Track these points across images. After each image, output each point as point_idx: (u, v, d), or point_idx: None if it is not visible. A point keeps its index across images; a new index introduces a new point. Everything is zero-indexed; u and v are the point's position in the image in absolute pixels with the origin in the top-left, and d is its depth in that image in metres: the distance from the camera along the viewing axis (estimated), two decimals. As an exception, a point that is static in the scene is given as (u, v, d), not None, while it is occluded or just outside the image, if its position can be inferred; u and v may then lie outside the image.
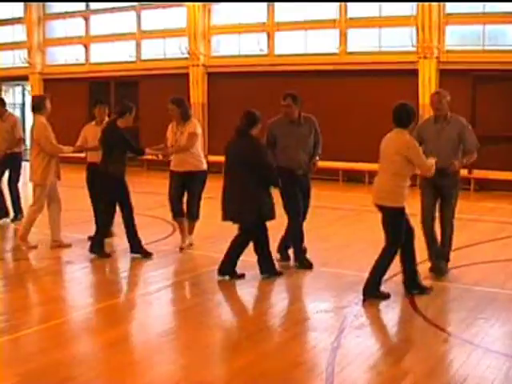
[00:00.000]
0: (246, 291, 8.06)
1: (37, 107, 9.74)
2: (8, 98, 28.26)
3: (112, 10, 22.51)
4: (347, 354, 5.95)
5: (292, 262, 9.02)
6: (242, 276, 8.29)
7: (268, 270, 8.33)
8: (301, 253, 8.95)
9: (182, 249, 9.79)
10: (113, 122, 9.40)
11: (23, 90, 25.69)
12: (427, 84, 16.87)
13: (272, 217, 8.15)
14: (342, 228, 11.85)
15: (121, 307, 7.57)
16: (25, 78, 24.54)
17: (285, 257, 9.13)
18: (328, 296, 7.76)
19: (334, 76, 18.31)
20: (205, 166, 9.73)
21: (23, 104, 25.82)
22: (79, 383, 5.31)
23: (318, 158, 9.05)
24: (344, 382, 5.30)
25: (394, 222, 7.40)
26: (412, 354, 5.96)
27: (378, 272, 7.44)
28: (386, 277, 7.66)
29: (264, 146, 8.36)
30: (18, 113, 25.93)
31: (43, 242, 10.10)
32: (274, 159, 8.41)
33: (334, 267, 8.93)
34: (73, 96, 22.76)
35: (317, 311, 7.16)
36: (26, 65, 24.16)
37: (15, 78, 25.18)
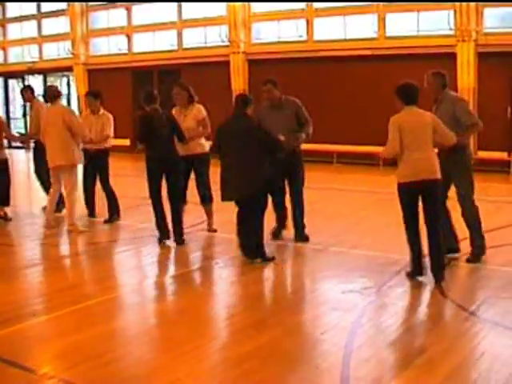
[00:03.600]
0: (275, 272, 8.31)
1: (57, 94, 10.42)
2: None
3: (153, -1, 22.82)
4: (367, 332, 6.12)
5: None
6: (273, 258, 8.50)
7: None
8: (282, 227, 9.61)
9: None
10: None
11: (68, 80, 26.12)
12: (466, 67, 16.79)
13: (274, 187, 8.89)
14: (376, 212, 11.91)
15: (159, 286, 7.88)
16: (69, 69, 25.02)
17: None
18: (356, 277, 7.85)
19: (372, 61, 18.31)
20: (207, 148, 9.75)
21: (69, 94, 26.25)
22: (117, 357, 5.57)
23: (303, 135, 9.26)
24: (360, 358, 5.43)
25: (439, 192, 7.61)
26: (431, 332, 6.08)
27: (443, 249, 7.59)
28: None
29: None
30: (64, 103, 26.44)
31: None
32: None
33: (365, 249, 9.05)
34: (116, 86, 23.09)
35: (343, 291, 7.30)
36: (71, 56, 24.64)
37: (60, 69, 25.67)
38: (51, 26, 25.65)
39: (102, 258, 9.20)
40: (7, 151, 12.15)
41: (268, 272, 8.29)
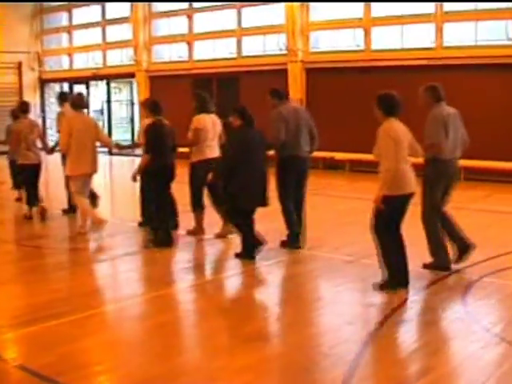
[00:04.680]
0: (296, 283, 8.24)
1: (80, 104, 10.82)
2: (120, 96, 29.49)
3: (214, 7, 22.92)
4: (377, 348, 5.97)
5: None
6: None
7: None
8: None
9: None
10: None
11: (131, 87, 26.51)
12: (526, 77, 16.36)
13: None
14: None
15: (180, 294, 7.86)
16: (132, 76, 25.36)
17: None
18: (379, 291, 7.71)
19: (430, 71, 17.97)
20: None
21: (131, 101, 26.65)
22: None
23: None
24: (363, 375, 5.31)
25: None
26: (442, 351, 5.89)
27: None
28: (445, 273, 8.09)
29: None
30: (127, 109, 26.88)
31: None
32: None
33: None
34: (177, 92, 23.28)
35: (363, 304, 7.17)
36: (133, 63, 24.98)
37: (123, 75, 26.09)
38: (115, 32, 26.09)
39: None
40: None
41: (288, 282, 8.23)
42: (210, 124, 10.21)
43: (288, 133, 9.28)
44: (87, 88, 27.66)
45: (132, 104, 26.84)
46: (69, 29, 28.06)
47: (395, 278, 7.53)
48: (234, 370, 5.45)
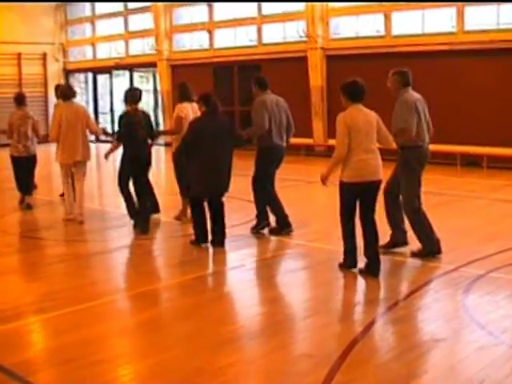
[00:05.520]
0: (296, 277, 8.11)
1: (72, 94, 11.05)
2: (147, 85, 29.37)
3: (234, -5, 22.70)
4: (364, 349, 5.74)
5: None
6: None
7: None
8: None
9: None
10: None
11: (154, 76, 26.41)
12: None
13: None
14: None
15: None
16: (153, 65, 25.25)
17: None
18: (381, 285, 7.50)
19: (451, 56, 17.61)
20: None
21: (155, 90, 26.54)
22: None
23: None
24: (343, 379, 5.09)
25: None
26: (437, 351, 5.62)
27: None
28: (452, 267, 7.80)
29: None
30: (150, 98, 26.76)
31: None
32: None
33: (404, 256, 8.55)
34: (198, 80, 23.07)
35: (358, 301, 6.97)
36: (155, 52, 24.87)
37: (145, 64, 26.00)
38: (137, 22, 25.99)
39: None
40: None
41: (284, 277, 8.06)
42: (192, 112, 10.20)
43: (272, 122, 9.41)
44: (110, 78, 27.65)
45: (156, 93, 26.72)
46: (92, 19, 28.07)
47: (347, 260, 7.86)
48: (212, 371, 5.29)
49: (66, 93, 11.05)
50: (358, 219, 7.79)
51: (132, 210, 10.58)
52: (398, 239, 8.57)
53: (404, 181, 8.24)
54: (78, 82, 29.14)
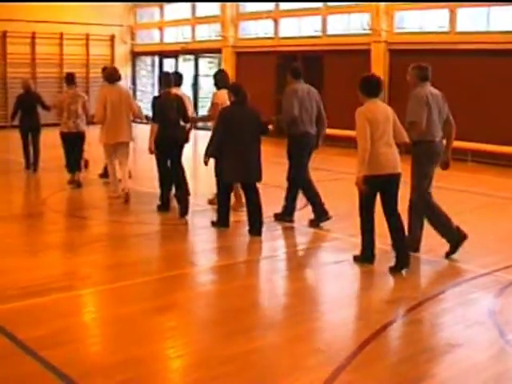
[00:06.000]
0: (325, 271, 8.14)
1: (117, 76, 11.37)
2: (211, 70, 29.48)
3: (301, -15, 22.61)
4: (379, 347, 5.74)
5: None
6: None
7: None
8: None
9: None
10: None
11: (219, 62, 26.53)
12: None
13: None
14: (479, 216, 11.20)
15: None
16: (219, 51, 25.39)
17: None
18: (406, 286, 7.44)
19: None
20: None
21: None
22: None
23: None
24: (353, 376, 5.11)
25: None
26: (449, 356, 5.56)
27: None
28: (486, 270, 7.70)
29: None
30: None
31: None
32: None
33: (437, 256, 8.45)
34: (262, 69, 23.25)
35: (382, 300, 6.94)
36: (220, 38, 25.00)
37: (210, 50, 26.16)
38: (204, 8, 26.13)
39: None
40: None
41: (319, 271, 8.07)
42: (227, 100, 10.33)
43: (302, 110, 9.64)
44: (176, 62, 27.89)
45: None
46: (160, 4, 28.29)
47: (363, 254, 7.98)
48: (220, 358, 5.39)
49: (111, 75, 11.43)
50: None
51: (163, 193, 10.82)
52: (453, 239, 8.42)
53: (414, 176, 8.26)
54: (145, 65, 29.51)
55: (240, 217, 9.99)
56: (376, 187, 7.69)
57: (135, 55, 29.53)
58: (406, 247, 7.81)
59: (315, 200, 9.85)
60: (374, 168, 7.56)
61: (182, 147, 10.72)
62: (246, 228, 9.36)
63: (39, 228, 10.11)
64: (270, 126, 9.84)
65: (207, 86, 29.39)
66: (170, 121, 10.39)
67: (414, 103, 8.11)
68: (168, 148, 10.56)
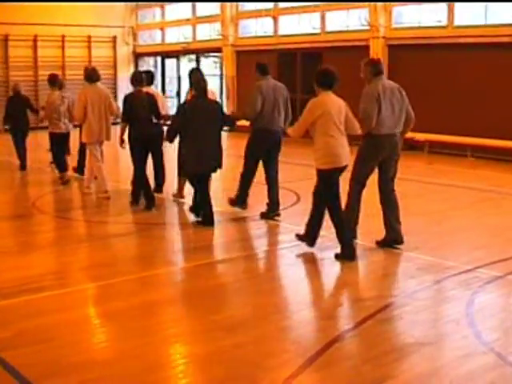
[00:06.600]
0: (303, 269, 8.10)
1: (96, 77, 11.55)
2: (213, 70, 29.51)
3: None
4: (345, 347, 5.66)
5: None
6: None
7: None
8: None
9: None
10: None
11: (221, 61, 26.50)
12: None
13: None
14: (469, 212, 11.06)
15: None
16: (219, 50, 25.35)
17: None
18: (384, 283, 7.36)
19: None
20: None
21: (221, 75, 26.61)
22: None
23: None
24: (314, 376, 5.04)
25: None
26: (417, 356, 5.43)
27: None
28: (469, 267, 7.61)
29: None
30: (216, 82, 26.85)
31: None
32: None
33: (425, 254, 8.30)
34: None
35: (356, 298, 6.85)
36: (220, 37, 24.95)
37: (211, 50, 26.14)
38: (204, 7, 26.09)
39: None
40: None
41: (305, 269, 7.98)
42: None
43: (265, 107, 9.73)
44: (178, 62, 27.88)
45: (221, 78, 26.77)
46: (162, 4, 28.27)
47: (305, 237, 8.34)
48: (179, 360, 5.37)
49: (90, 75, 11.58)
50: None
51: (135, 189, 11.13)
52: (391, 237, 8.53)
53: (357, 165, 8.37)
54: (148, 66, 29.49)
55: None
56: (333, 180, 7.95)
57: (137, 56, 29.52)
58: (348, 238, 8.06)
59: (273, 198, 10.15)
60: (327, 161, 7.82)
61: (160, 141, 10.91)
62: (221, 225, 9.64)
63: (23, 229, 10.10)
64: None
65: (210, 85, 29.44)
66: (141, 118, 10.57)
67: (365, 101, 8.17)
68: (145, 144, 10.75)
